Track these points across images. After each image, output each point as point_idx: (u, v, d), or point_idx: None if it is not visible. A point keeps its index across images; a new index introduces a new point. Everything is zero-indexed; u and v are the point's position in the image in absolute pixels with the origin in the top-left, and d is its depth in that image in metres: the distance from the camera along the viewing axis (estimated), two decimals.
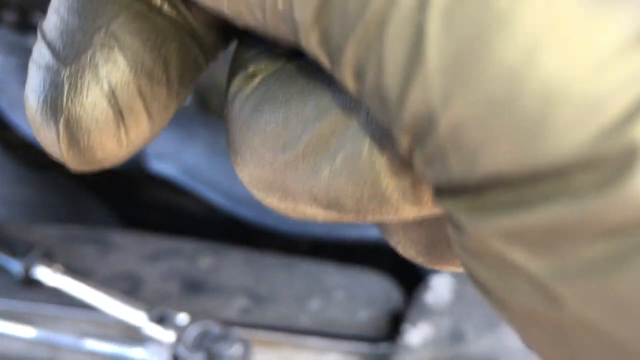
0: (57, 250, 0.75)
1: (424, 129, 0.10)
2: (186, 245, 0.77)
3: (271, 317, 0.72)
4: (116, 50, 0.15)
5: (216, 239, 0.81)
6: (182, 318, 0.69)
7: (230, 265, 0.76)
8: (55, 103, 0.15)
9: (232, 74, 0.15)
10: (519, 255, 0.10)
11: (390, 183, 0.13)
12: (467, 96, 0.10)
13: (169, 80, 0.15)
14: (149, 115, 0.15)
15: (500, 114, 0.09)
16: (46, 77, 0.15)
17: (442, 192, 0.11)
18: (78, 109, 0.15)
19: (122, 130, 0.15)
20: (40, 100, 0.15)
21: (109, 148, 0.15)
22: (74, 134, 0.15)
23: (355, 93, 0.12)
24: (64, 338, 0.68)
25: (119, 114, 0.15)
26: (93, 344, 0.68)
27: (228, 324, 0.69)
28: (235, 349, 0.67)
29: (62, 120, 0.15)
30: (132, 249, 0.77)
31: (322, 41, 0.12)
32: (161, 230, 0.85)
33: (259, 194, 0.15)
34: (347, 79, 0.12)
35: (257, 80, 0.15)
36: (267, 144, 0.14)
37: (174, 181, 0.89)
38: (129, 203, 1.17)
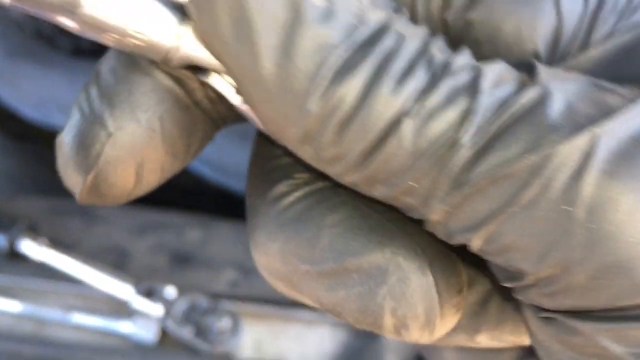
0: (42, 223, 0.74)
1: (558, 282, 0.15)
2: (174, 219, 0.76)
3: (260, 290, 0.71)
4: (157, 134, 0.18)
5: (205, 212, 0.80)
6: (170, 291, 0.68)
7: (219, 238, 0.75)
8: (89, 159, 0.18)
9: (272, 173, 0.19)
10: (620, 350, 0.16)
11: (388, 323, 0.17)
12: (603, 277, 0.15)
13: (188, 157, 0.19)
14: (163, 175, 0.19)
15: (623, 276, 0.15)
16: (87, 131, 0.18)
17: (556, 311, 0.16)
18: (109, 171, 0.18)
19: (139, 185, 0.18)
20: (76, 150, 0.18)
21: (123, 196, 0.18)
22: (98, 186, 0.18)
23: (478, 251, 0.16)
24: (51, 312, 0.68)
25: (141, 177, 0.18)
26: (80, 318, 0.68)
27: (217, 297, 0.69)
28: (224, 322, 0.66)
29: (92, 174, 0.18)
30: (119, 221, 0.76)
31: (453, 219, 0.16)
32: (149, 203, 0.84)
33: (267, 277, 0.19)
34: (474, 242, 0.16)
35: (301, 193, 0.18)
36: (296, 251, 0.17)
37: None
38: None
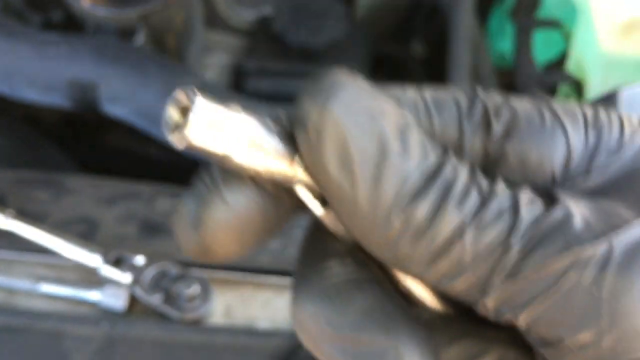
0: (9, 195, 0.74)
1: (591, 346, 0.22)
2: (143, 189, 0.76)
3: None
4: (260, 206, 0.24)
5: (174, 183, 0.80)
6: (139, 260, 0.68)
7: None
8: (205, 221, 0.23)
9: (327, 252, 0.24)
10: None
11: None
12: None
13: (279, 224, 0.25)
14: (260, 239, 0.24)
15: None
16: (206, 198, 0.23)
17: None
18: (220, 233, 0.23)
19: (241, 247, 0.23)
20: (194, 212, 0.23)
21: (227, 256, 0.23)
22: (208, 246, 0.23)
23: (523, 325, 0.23)
24: (19, 282, 0.68)
25: (244, 240, 0.23)
26: (49, 288, 0.68)
27: (186, 265, 0.69)
28: (194, 289, 0.66)
29: (205, 235, 0.23)
30: (87, 192, 0.75)
31: (504, 303, 0.22)
32: (120, 175, 0.83)
33: (298, 330, 0.24)
34: (520, 319, 0.22)
35: (347, 273, 0.23)
36: (326, 315, 0.23)
37: (130, 124, 0.87)
38: (86, 149, 1.14)
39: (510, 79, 1.06)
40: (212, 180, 0.23)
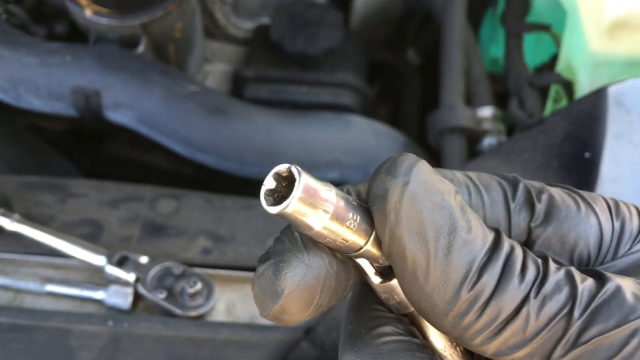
0: (15, 199, 0.76)
1: None
2: (146, 192, 0.78)
3: (232, 257, 0.73)
4: (333, 273, 0.28)
5: (176, 186, 0.81)
6: (143, 259, 0.70)
7: (190, 209, 0.77)
8: (285, 282, 0.26)
9: (378, 316, 0.28)
10: None
11: None
12: None
13: (347, 289, 0.29)
14: (331, 302, 0.28)
15: None
16: (287, 260, 0.27)
17: None
18: (299, 294, 0.26)
19: (315, 308, 0.27)
20: (274, 274, 0.26)
21: (303, 317, 0.26)
22: (282, 306, 0.26)
23: None
24: (26, 283, 0.69)
25: (317, 302, 0.27)
26: (55, 288, 0.69)
27: (189, 264, 0.71)
28: (197, 287, 0.68)
29: (285, 295, 0.26)
30: (91, 196, 0.77)
31: None
32: (123, 181, 0.85)
33: None
34: None
35: (395, 339, 0.27)
36: None
37: (132, 130, 0.89)
38: (89, 157, 1.17)
39: (503, 83, 1.08)
40: (293, 243, 0.27)
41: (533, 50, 0.99)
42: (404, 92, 1.26)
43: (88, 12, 0.87)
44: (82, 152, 1.20)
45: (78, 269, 0.72)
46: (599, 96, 0.70)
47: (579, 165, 0.68)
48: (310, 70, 1.03)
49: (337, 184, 0.91)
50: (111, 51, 0.86)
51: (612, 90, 0.70)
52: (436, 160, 0.87)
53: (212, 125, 0.84)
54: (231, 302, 0.71)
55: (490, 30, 1.18)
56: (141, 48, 0.89)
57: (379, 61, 1.29)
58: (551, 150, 0.69)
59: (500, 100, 0.97)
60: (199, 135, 0.84)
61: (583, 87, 0.83)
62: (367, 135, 0.87)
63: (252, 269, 0.72)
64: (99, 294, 0.69)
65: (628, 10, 0.75)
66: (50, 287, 0.69)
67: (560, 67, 0.88)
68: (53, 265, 0.72)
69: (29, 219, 0.73)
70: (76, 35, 1.03)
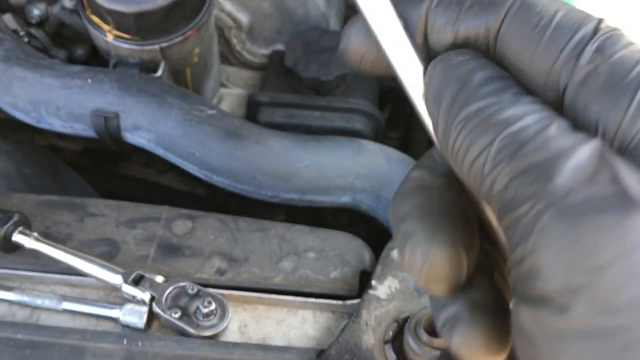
0: (34, 218, 0.77)
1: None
2: (163, 212, 0.79)
3: (245, 278, 0.74)
4: None
5: (193, 208, 0.83)
6: (158, 279, 0.71)
7: (205, 230, 0.78)
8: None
9: None
10: None
11: None
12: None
13: None
14: None
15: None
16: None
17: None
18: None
19: None
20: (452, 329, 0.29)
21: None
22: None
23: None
24: (43, 300, 0.70)
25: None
26: (71, 306, 0.70)
27: (204, 285, 0.72)
28: (211, 307, 0.69)
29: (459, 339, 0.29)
30: (109, 215, 0.79)
31: None
32: (137, 201, 0.87)
33: None
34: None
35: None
36: None
37: (148, 152, 0.91)
38: (107, 180, 1.19)
39: None
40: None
41: None
42: (414, 118, 1.28)
43: (110, 37, 0.89)
44: (98, 172, 1.22)
45: (94, 287, 0.73)
46: None
47: None
48: (323, 96, 1.05)
49: (350, 209, 0.91)
50: (131, 75, 0.89)
51: None
52: None
53: (228, 148, 0.86)
54: (244, 323, 0.72)
55: None
56: (160, 72, 0.91)
57: (389, 87, 1.31)
58: None
59: None
60: (215, 158, 0.86)
61: None
62: (379, 160, 0.88)
63: (265, 290, 0.73)
64: (114, 312, 0.70)
65: None
66: (67, 305, 0.70)
67: None
68: (70, 283, 0.73)
69: (48, 237, 0.74)
70: (95, 58, 1.05)
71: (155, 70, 0.91)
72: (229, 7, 1.09)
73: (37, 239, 0.73)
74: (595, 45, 0.27)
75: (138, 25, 0.87)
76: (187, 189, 1.25)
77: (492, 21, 0.29)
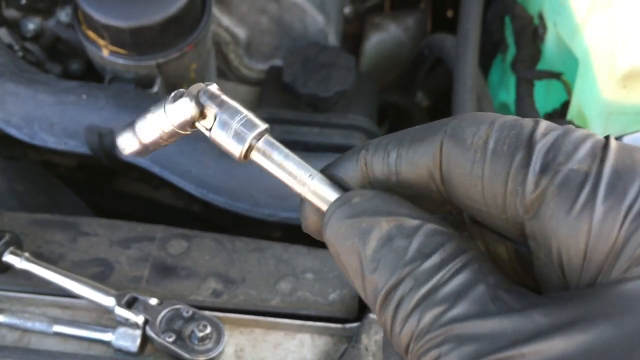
0: (26, 237, 0.75)
1: None
2: (157, 232, 0.78)
3: (242, 300, 0.72)
4: None
5: (187, 227, 0.81)
6: (152, 302, 0.69)
7: (201, 250, 0.76)
8: None
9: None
10: None
11: None
12: None
13: None
14: None
15: None
16: None
17: None
18: None
19: None
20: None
21: None
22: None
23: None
24: (34, 323, 0.68)
25: None
26: (62, 329, 0.68)
27: (199, 307, 0.70)
28: (206, 330, 0.67)
29: None
30: (102, 235, 0.77)
31: None
32: (135, 220, 0.85)
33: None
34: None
35: None
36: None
37: (145, 170, 0.89)
38: (101, 195, 1.17)
39: None
40: None
41: (543, 98, 1.00)
42: None
43: (105, 52, 0.88)
44: (92, 188, 1.20)
45: (86, 310, 0.71)
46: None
47: None
48: (322, 112, 1.04)
49: None
50: (126, 91, 0.87)
51: (626, 140, 0.70)
52: None
53: (225, 166, 0.84)
54: (240, 347, 0.70)
55: (500, 76, 1.19)
56: (156, 88, 0.90)
57: (388, 103, 1.30)
58: None
59: None
60: (211, 175, 0.84)
61: None
62: None
63: (262, 313, 0.71)
64: (107, 336, 0.68)
65: None
66: (58, 328, 0.68)
67: (572, 114, 0.89)
68: (61, 305, 0.71)
69: (39, 257, 0.72)
70: (91, 73, 1.04)
71: (152, 86, 0.90)
72: (226, 22, 1.08)
73: (28, 260, 0.71)
74: (537, 166, 0.26)
75: (134, 41, 0.85)
76: (183, 205, 1.23)
77: (431, 163, 0.30)
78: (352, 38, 1.35)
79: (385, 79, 1.33)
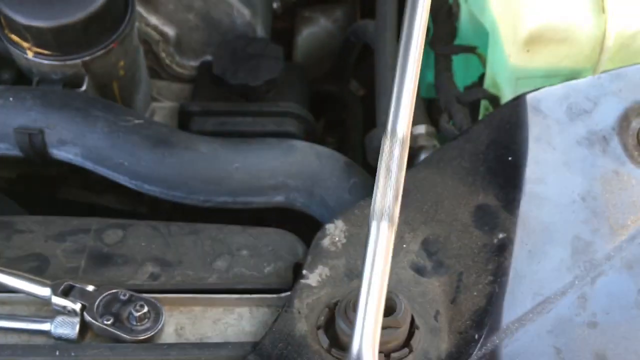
0: None
1: None
2: (92, 224, 0.79)
3: (179, 281, 0.74)
4: None
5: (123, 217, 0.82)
6: (89, 288, 0.70)
7: (137, 237, 0.78)
8: None
9: None
10: None
11: None
12: None
13: None
14: None
15: None
16: None
17: None
18: None
19: None
20: None
21: None
22: None
23: None
24: None
25: None
26: (1, 323, 0.69)
27: (137, 290, 0.71)
28: (144, 311, 0.69)
29: None
30: (37, 231, 0.78)
31: None
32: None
33: None
34: None
35: None
36: None
37: (85, 174, 0.90)
38: (45, 206, 1.16)
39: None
40: None
41: (462, 72, 1.05)
42: (348, 121, 1.30)
43: (30, 55, 0.89)
44: (34, 199, 1.19)
45: (25, 303, 0.72)
46: (517, 104, 0.74)
47: (504, 168, 0.72)
48: (253, 102, 1.07)
49: (284, 207, 0.92)
50: (53, 90, 0.88)
51: (529, 98, 0.75)
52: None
53: (157, 156, 0.86)
54: (180, 325, 0.72)
55: (425, 58, 1.24)
56: (84, 87, 0.91)
57: (324, 93, 1.33)
58: (477, 156, 0.73)
59: (436, 123, 1.02)
60: (144, 166, 0.86)
61: (508, 99, 0.88)
62: (310, 157, 0.90)
63: (200, 291, 0.73)
64: (45, 326, 0.69)
65: (541, 24, 0.81)
66: None
67: (487, 84, 0.94)
68: None
69: None
70: (22, 81, 1.04)
71: (80, 86, 0.91)
72: (154, 20, 1.10)
73: None
74: None
75: (57, 41, 0.87)
76: (128, 207, 1.24)
77: None
78: (285, 33, 1.38)
79: (319, 71, 1.36)
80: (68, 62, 0.89)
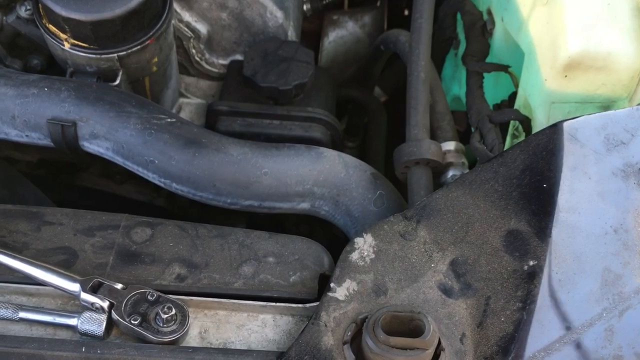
0: None
1: None
2: (121, 220, 0.79)
3: (205, 284, 0.75)
4: None
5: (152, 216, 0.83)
6: (117, 286, 0.71)
7: (165, 237, 0.78)
8: None
9: None
10: None
11: None
12: None
13: None
14: None
15: None
16: None
17: None
18: None
19: None
20: None
21: None
22: None
23: None
24: (1, 311, 0.69)
25: None
26: (29, 315, 0.69)
27: (163, 291, 0.72)
28: (170, 313, 0.69)
29: None
30: (66, 224, 0.78)
31: None
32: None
33: None
34: None
35: None
36: None
37: (105, 162, 0.90)
38: (62, 188, 1.17)
39: (463, 121, 1.13)
40: None
41: (492, 90, 1.05)
42: (371, 128, 1.31)
43: (67, 46, 0.89)
44: (54, 183, 1.20)
45: (52, 296, 0.72)
46: (554, 131, 0.74)
47: (537, 195, 0.72)
48: (282, 105, 1.07)
49: (309, 215, 0.93)
50: (88, 83, 0.88)
51: (566, 126, 0.75)
52: (402, 191, 0.90)
53: (188, 156, 0.86)
54: (204, 328, 0.72)
55: (453, 70, 1.24)
56: (118, 81, 0.91)
57: (347, 98, 1.33)
58: (511, 181, 0.73)
59: (461, 137, 1.02)
60: (174, 165, 0.86)
61: (539, 123, 0.88)
62: (337, 167, 0.90)
63: (225, 296, 0.74)
64: (72, 321, 0.69)
65: (581, 51, 0.81)
66: (24, 314, 0.69)
67: (518, 104, 0.94)
68: (26, 292, 0.72)
69: (3, 246, 0.73)
70: (52, 68, 1.05)
71: (113, 80, 0.91)
72: (187, 17, 1.10)
73: None
74: None
75: (95, 34, 0.87)
76: (146, 199, 1.24)
77: None
78: (312, 35, 1.38)
79: (344, 75, 1.36)
80: (104, 56, 0.89)
